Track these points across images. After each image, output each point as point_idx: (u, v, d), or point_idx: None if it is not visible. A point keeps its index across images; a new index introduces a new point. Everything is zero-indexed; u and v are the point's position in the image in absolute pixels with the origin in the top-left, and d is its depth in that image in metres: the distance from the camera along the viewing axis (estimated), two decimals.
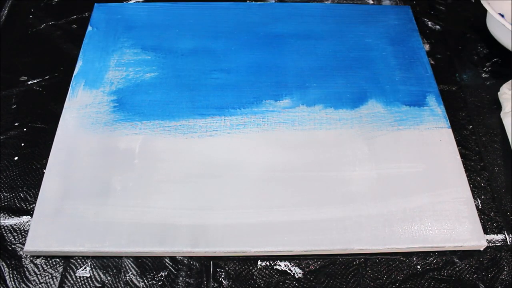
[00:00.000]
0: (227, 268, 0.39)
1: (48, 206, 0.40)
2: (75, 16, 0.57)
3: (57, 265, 0.38)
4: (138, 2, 0.59)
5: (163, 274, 0.38)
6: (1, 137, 0.46)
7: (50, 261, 0.39)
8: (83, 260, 0.39)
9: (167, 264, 0.39)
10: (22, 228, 0.40)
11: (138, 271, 0.38)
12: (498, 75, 0.53)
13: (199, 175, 0.42)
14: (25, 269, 0.38)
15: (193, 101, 0.48)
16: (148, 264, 0.39)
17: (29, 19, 0.57)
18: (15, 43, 0.54)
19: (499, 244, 0.41)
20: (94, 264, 0.38)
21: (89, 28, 0.54)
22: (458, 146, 0.45)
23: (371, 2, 0.61)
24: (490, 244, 0.41)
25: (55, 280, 0.38)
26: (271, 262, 0.39)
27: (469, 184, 0.43)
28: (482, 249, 0.40)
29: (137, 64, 0.50)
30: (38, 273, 0.38)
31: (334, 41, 0.54)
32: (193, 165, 0.43)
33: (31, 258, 0.39)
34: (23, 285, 0.37)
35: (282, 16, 0.56)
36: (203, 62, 0.51)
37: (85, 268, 0.38)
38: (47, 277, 0.38)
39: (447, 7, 0.61)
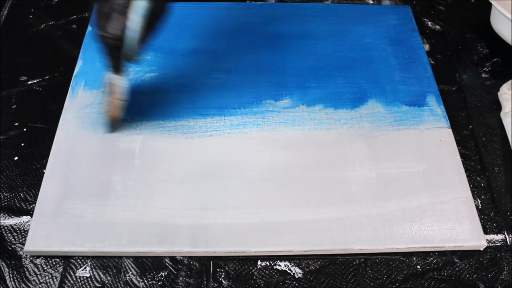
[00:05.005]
0: (227, 268, 0.39)
1: (48, 206, 0.40)
2: (75, 16, 0.57)
3: (57, 265, 0.38)
4: None
5: (163, 274, 0.38)
6: (1, 137, 0.46)
7: (50, 261, 0.39)
8: (83, 260, 0.39)
9: (167, 264, 0.39)
10: (22, 228, 0.40)
11: (138, 271, 0.38)
12: (498, 75, 0.53)
13: (199, 175, 0.42)
14: (25, 269, 0.38)
15: (193, 101, 0.48)
16: (148, 264, 0.39)
17: (29, 19, 0.57)
18: (15, 43, 0.54)
19: (499, 244, 0.41)
20: (94, 264, 0.38)
21: (89, 28, 0.54)
22: (458, 146, 0.45)
23: (371, 2, 0.61)
24: (490, 244, 0.41)
25: (55, 280, 0.38)
26: (271, 262, 0.39)
27: (469, 184, 0.43)
28: (482, 249, 0.40)
29: (137, 64, 0.50)
30: (38, 273, 0.38)
31: (334, 41, 0.54)
32: (193, 165, 0.43)
33: (31, 258, 0.39)
34: (23, 285, 0.37)
35: (282, 16, 0.56)
36: (203, 62, 0.51)
37: (85, 268, 0.38)
38: (47, 277, 0.38)
39: (447, 7, 0.61)
